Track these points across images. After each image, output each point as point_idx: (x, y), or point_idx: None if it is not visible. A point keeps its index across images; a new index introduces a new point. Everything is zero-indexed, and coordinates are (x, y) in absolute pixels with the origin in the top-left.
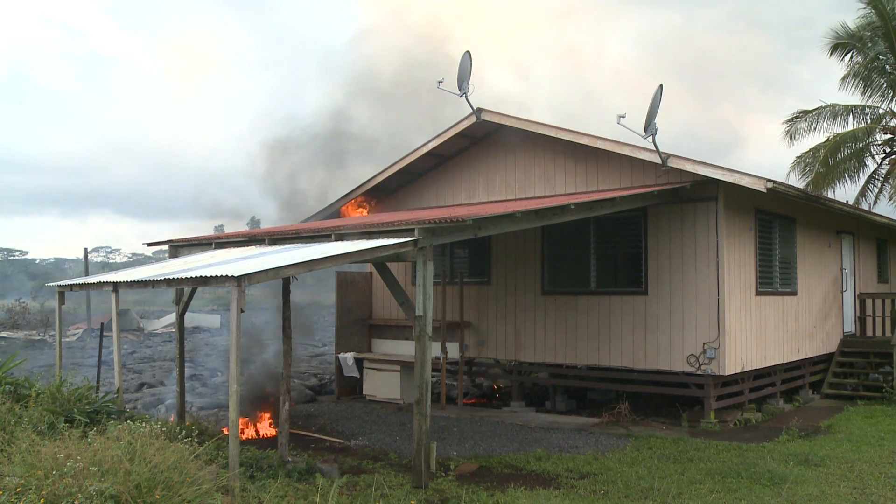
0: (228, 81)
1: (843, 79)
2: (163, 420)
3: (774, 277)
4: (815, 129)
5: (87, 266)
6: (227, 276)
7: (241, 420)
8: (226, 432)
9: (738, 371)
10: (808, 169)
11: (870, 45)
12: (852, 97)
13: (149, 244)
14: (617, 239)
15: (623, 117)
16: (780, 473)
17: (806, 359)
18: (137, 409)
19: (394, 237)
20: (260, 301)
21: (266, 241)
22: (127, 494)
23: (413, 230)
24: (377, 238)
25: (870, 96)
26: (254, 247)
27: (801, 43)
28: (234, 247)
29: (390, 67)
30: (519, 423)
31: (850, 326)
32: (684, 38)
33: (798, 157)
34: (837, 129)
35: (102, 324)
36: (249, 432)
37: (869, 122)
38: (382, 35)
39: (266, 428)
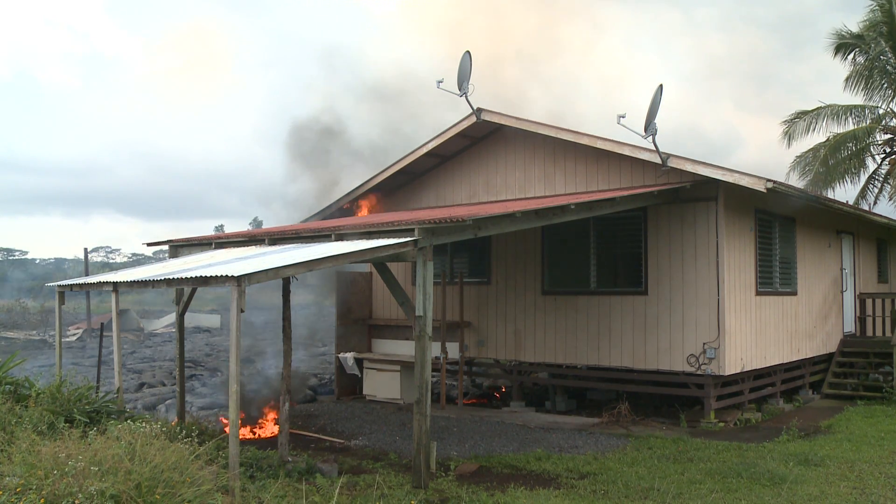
0: (231, 81)
1: (847, 79)
2: (163, 420)
3: (774, 277)
4: (813, 129)
5: (87, 266)
6: (227, 276)
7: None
8: (227, 430)
9: (738, 371)
10: (807, 169)
11: (872, 45)
12: (856, 97)
13: (149, 244)
14: (617, 239)
15: (623, 117)
16: (780, 473)
17: (806, 359)
18: (137, 409)
19: (394, 237)
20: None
21: (266, 241)
22: (127, 494)
23: (413, 230)
24: (377, 238)
25: (871, 96)
26: (254, 247)
27: (801, 43)
28: (234, 247)
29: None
30: (519, 423)
31: (850, 326)
32: (684, 36)
33: (798, 157)
34: (836, 129)
35: (102, 324)
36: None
37: (868, 122)
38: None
39: (266, 427)
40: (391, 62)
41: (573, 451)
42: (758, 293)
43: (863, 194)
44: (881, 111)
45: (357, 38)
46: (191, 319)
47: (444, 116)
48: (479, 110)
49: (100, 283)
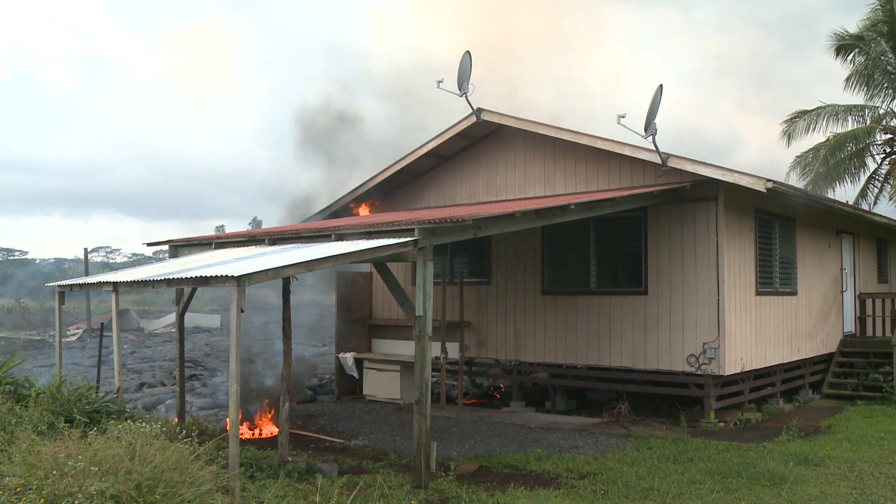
0: (231, 81)
1: (847, 79)
2: (163, 420)
3: (774, 277)
4: (813, 129)
5: (87, 266)
6: (227, 276)
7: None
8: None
9: (738, 371)
10: (807, 169)
11: (872, 45)
12: (856, 98)
13: (149, 244)
14: (617, 239)
15: (623, 117)
16: (780, 473)
17: (806, 359)
18: (137, 409)
19: (394, 237)
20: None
21: (266, 242)
22: (127, 494)
23: (413, 230)
24: (377, 238)
25: (871, 96)
26: (254, 247)
27: (801, 43)
28: (234, 247)
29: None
30: (519, 423)
31: (850, 326)
32: (684, 36)
33: (798, 157)
34: (836, 129)
35: (102, 324)
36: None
37: (868, 122)
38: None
39: (266, 427)
40: (390, 58)
41: (573, 451)
42: (758, 293)
43: (863, 194)
44: (881, 111)
45: (357, 36)
46: (191, 319)
47: (446, 109)
48: (479, 110)
49: (100, 283)
